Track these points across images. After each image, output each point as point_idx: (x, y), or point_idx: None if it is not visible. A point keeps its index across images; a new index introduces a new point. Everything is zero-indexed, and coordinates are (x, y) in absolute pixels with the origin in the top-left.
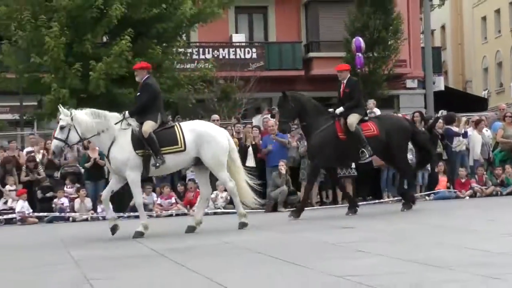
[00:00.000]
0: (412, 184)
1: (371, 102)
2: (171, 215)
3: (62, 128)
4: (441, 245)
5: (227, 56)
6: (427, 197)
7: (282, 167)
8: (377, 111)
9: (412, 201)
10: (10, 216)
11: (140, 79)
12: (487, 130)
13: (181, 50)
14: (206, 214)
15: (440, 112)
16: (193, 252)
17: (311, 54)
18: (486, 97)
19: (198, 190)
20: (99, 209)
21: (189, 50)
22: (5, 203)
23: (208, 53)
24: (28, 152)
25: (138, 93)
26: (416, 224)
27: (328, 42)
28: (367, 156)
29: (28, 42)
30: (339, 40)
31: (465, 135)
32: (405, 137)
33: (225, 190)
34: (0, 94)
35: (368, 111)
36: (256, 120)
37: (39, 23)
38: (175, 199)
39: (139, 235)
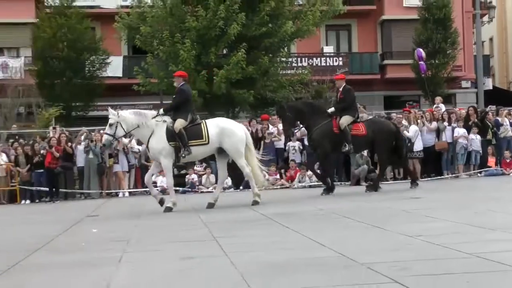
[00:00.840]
0: (382, 174)
1: (438, 99)
2: (276, 188)
3: (110, 125)
4: (494, 212)
5: (319, 64)
6: (479, 174)
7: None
8: (443, 107)
9: (375, 187)
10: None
11: (177, 85)
12: None
13: (284, 59)
14: (303, 187)
15: (489, 107)
16: (295, 216)
17: (386, 61)
18: None
19: (297, 168)
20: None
21: (290, 59)
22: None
23: (304, 61)
24: None
25: (174, 96)
26: (472, 195)
27: (399, 52)
28: (347, 149)
29: (166, 54)
30: (408, 50)
31: None
32: (388, 138)
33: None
34: (146, 95)
35: (434, 106)
36: None
37: (175, 40)
38: (280, 175)
39: (168, 209)
